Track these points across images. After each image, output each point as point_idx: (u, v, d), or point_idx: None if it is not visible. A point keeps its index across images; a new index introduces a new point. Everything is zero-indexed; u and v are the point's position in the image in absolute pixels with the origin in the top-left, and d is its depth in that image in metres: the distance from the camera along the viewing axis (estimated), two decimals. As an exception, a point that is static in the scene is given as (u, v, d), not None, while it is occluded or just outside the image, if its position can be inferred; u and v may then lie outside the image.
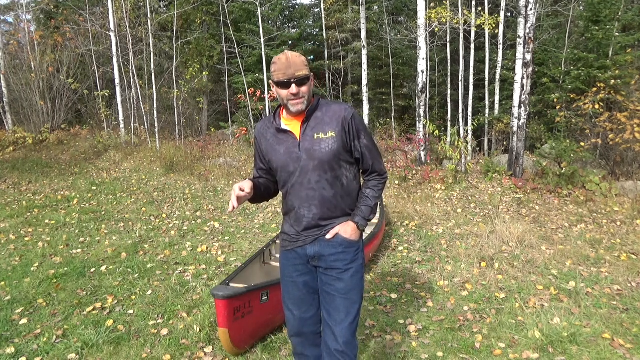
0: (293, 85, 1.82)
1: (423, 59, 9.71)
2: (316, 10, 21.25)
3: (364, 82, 13.00)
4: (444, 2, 12.62)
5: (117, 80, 13.10)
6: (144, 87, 14.37)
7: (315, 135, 1.89)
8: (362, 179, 2.11)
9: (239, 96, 13.55)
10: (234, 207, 1.79)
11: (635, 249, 4.60)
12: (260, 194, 2.04)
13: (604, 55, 12.30)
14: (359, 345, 2.30)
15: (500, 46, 14.81)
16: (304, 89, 1.85)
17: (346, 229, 1.95)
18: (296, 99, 1.86)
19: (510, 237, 4.77)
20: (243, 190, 1.83)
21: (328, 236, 1.94)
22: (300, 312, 2.03)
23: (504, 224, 5.06)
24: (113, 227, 5.80)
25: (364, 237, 2.69)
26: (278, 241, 4.00)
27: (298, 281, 2.01)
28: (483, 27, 11.94)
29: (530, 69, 8.17)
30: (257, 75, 14.95)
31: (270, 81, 1.90)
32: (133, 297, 3.73)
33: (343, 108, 1.92)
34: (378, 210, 5.15)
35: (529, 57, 8.06)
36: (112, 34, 12.85)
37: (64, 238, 5.36)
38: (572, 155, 7.63)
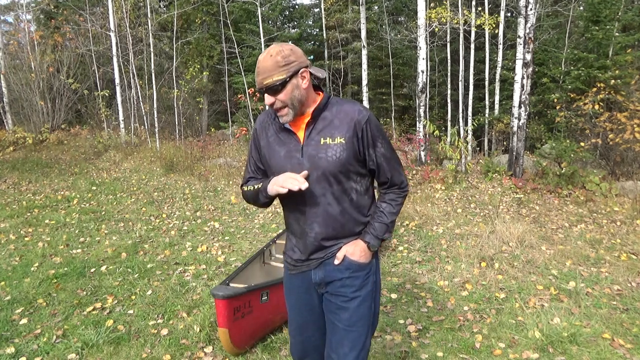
0: (265, 95, 1.57)
1: (423, 59, 9.71)
2: (316, 10, 21.26)
3: (364, 82, 13.01)
4: (444, 2, 12.62)
5: (117, 80, 13.10)
6: (144, 87, 14.38)
7: (322, 140, 1.61)
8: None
9: (239, 96, 13.55)
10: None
11: (635, 249, 4.60)
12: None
13: (604, 55, 12.30)
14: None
15: (500, 46, 14.82)
16: (281, 96, 1.56)
17: (354, 250, 1.68)
18: (276, 109, 1.60)
19: (510, 237, 4.77)
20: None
21: (335, 262, 1.69)
22: (303, 337, 1.85)
23: (504, 224, 5.06)
24: (113, 227, 5.79)
25: None
26: (278, 241, 4.00)
27: (302, 309, 1.81)
28: (483, 27, 11.95)
29: (530, 69, 8.17)
30: (257, 75, 14.93)
31: None
32: (133, 297, 3.73)
33: (357, 109, 1.63)
34: None
35: (529, 57, 8.06)
36: (112, 34, 12.85)
37: (64, 238, 5.36)
38: (572, 155, 7.63)
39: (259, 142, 1.75)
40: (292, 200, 1.67)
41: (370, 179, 1.74)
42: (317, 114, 1.63)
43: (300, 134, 1.65)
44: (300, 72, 1.57)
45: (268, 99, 1.57)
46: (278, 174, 1.63)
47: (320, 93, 1.69)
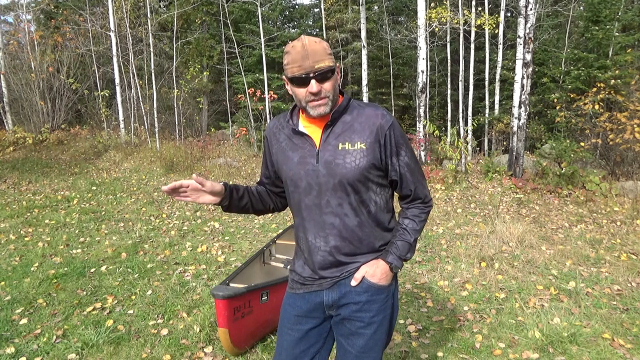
0: (312, 82, 1.40)
1: (423, 59, 9.71)
2: (316, 10, 21.26)
3: (364, 82, 13.00)
4: (444, 2, 12.62)
5: (117, 80, 13.11)
6: (144, 87, 14.38)
7: (340, 145, 1.49)
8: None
9: (239, 96, 13.57)
10: (169, 189, 1.42)
11: (635, 249, 4.60)
12: (244, 203, 1.64)
13: (604, 55, 12.32)
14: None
15: (500, 46, 14.82)
16: (327, 85, 1.43)
17: (375, 271, 1.53)
18: (317, 99, 1.43)
19: (510, 237, 4.77)
20: (202, 185, 1.48)
21: (353, 282, 1.53)
22: None
23: (504, 224, 5.06)
24: (113, 227, 5.80)
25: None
26: (278, 241, 4.00)
27: (297, 336, 1.61)
28: (483, 27, 11.95)
29: (530, 69, 8.17)
30: (257, 75, 14.97)
31: (283, 77, 1.48)
32: (133, 297, 3.73)
33: (380, 114, 1.51)
34: None
35: (529, 57, 8.07)
36: (112, 34, 12.86)
37: (64, 238, 5.36)
38: (572, 155, 7.64)
39: (271, 149, 1.65)
40: (306, 210, 1.55)
41: (390, 191, 1.62)
42: (337, 116, 1.51)
43: (316, 138, 1.52)
44: (336, 65, 1.48)
45: (314, 86, 1.40)
46: (291, 183, 1.55)
47: (341, 95, 1.57)
